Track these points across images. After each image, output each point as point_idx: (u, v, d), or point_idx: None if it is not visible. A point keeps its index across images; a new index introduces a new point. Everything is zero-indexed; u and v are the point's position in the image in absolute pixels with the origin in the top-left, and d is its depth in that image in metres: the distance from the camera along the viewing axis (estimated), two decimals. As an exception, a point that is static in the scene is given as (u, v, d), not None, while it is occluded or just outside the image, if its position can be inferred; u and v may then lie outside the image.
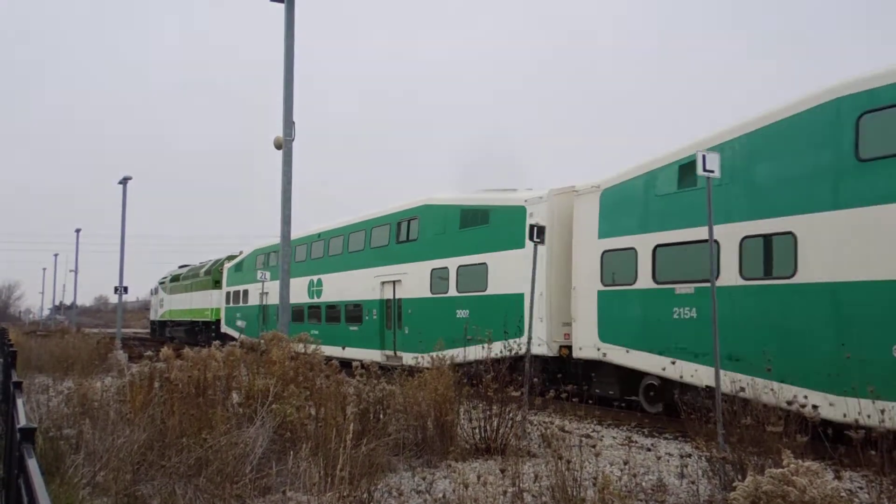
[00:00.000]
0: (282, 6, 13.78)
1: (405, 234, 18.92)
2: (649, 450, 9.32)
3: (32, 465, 2.90)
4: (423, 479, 7.09)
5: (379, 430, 7.93)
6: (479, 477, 6.17)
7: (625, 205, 12.68)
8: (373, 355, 18.12)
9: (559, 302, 13.99)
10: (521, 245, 14.52)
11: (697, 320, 10.87)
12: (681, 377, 10.50)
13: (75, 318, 56.05)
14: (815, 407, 7.03)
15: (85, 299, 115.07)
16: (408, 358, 16.94)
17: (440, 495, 6.70)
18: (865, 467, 5.89)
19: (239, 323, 28.50)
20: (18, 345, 18.58)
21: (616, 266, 12.70)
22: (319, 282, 23.18)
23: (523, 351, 10.82)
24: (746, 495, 3.71)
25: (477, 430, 8.83)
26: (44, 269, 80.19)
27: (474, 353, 10.73)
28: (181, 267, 45.89)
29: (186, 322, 40.46)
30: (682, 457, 7.83)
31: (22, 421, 4.14)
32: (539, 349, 13.23)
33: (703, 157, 7.93)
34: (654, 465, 7.94)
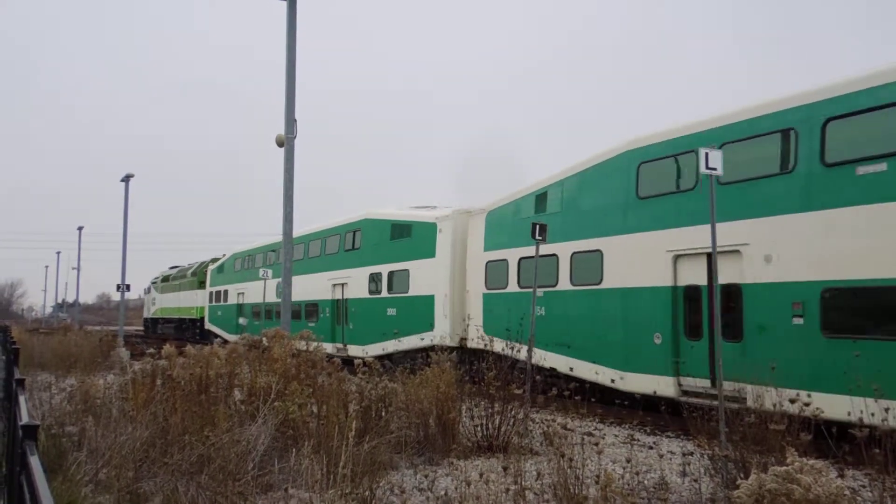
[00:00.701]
0: (283, 4, 13.76)
1: (351, 243, 22.00)
2: (651, 448, 9.31)
3: (35, 462, 2.90)
4: (426, 476, 7.08)
5: (381, 427, 7.93)
6: (481, 475, 6.17)
7: (501, 225, 15.93)
8: (327, 347, 19.64)
9: (460, 302, 16.97)
10: (433, 255, 17.78)
11: (546, 317, 13.87)
12: (540, 362, 13.16)
13: (78, 316, 56.07)
14: (612, 381, 12.14)
15: (87, 297, 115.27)
16: (353, 349, 20.52)
17: (442, 493, 6.69)
18: (869, 466, 5.87)
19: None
20: (21, 342, 18.62)
21: (495, 273, 15.87)
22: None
23: (433, 342, 14.19)
24: (750, 493, 3.70)
25: (479, 428, 8.83)
26: (46, 267, 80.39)
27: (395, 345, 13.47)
28: (171, 268, 48.60)
29: (175, 319, 43.30)
30: (684, 455, 7.82)
31: (24, 418, 4.14)
32: (444, 340, 16.23)
33: (707, 154, 7.91)
34: (656, 464, 7.93)
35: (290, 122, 13.70)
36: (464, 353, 15.59)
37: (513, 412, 8.94)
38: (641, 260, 12.06)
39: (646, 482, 7.14)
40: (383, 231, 20.33)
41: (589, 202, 13.50)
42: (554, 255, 13.74)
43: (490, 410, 8.85)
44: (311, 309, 24.15)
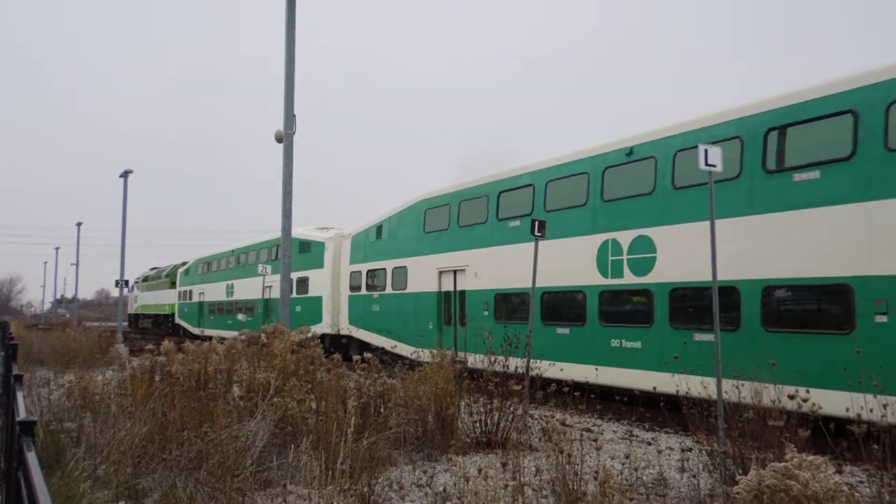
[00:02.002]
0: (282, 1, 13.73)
1: (274, 255, 27.74)
2: (650, 444, 9.32)
3: (32, 458, 2.89)
4: (424, 472, 7.09)
5: (380, 423, 7.92)
6: (479, 471, 6.17)
7: (358, 246, 22.07)
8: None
9: (336, 301, 23.35)
10: (322, 266, 24.15)
11: (381, 311, 20.26)
12: (374, 342, 19.66)
13: (76, 312, 56.16)
14: (411, 354, 16.00)
15: (86, 293, 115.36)
16: None
17: (441, 489, 6.70)
18: (867, 462, 5.87)
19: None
20: (20, 338, 18.59)
21: (354, 280, 22.09)
22: (232, 285, 32.75)
23: (322, 331, 21.77)
24: (749, 489, 3.70)
25: (478, 424, 8.83)
26: (45, 263, 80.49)
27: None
28: (151, 269, 54.85)
29: (152, 315, 49.88)
30: (682, 451, 7.83)
31: (22, 414, 4.13)
32: (325, 329, 23.08)
33: (706, 150, 7.92)
34: (654, 459, 7.94)
35: (290, 117, 13.69)
36: (337, 338, 22.91)
37: (511, 408, 8.94)
38: (424, 274, 18.18)
39: (644, 478, 7.15)
40: (295, 246, 25.37)
41: (401, 233, 19.66)
42: (384, 268, 20.33)
43: (489, 406, 8.85)
44: (250, 306, 30.09)
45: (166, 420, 7.40)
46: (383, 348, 18.67)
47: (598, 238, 12.90)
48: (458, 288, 16.91)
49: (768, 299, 10.06)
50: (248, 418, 7.40)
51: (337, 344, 22.42)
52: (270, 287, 26.28)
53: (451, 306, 17.14)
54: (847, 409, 6.33)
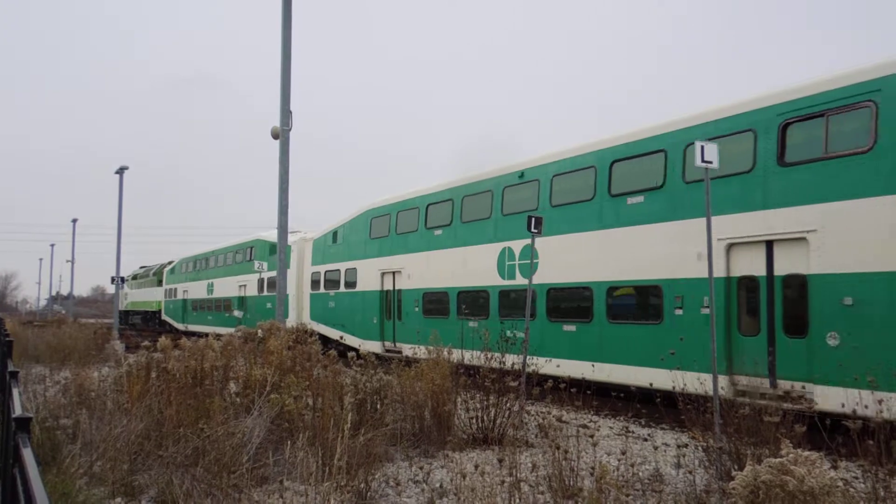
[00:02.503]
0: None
1: (249, 255, 30.55)
2: (646, 440, 9.34)
3: (28, 454, 2.88)
4: (421, 468, 7.09)
5: (376, 420, 7.92)
6: (476, 467, 6.17)
7: (318, 249, 24.17)
8: (232, 332, 28.27)
9: (300, 299, 25.47)
10: (289, 267, 24.89)
11: (336, 308, 22.44)
12: (329, 335, 21.61)
13: (72, 309, 56.08)
14: (359, 345, 19.67)
15: (82, 289, 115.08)
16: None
17: (437, 485, 6.70)
18: (862, 457, 5.90)
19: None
20: (15, 335, 18.54)
21: (315, 280, 24.26)
22: (212, 284, 35.29)
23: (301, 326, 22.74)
24: (745, 485, 3.71)
25: (474, 421, 8.84)
26: (40, 260, 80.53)
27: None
28: (141, 268, 57.14)
29: (141, 311, 52.28)
30: (678, 447, 7.83)
31: (18, 410, 4.12)
32: (292, 324, 24.38)
33: (702, 147, 7.93)
34: (651, 455, 7.96)
35: (286, 114, 13.66)
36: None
37: (508, 404, 8.95)
38: (370, 275, 20.42)
39: (640, 474, 7.17)
40: (265, 249, 28.43)
41: (352, 239, 21.82)
42: (338, 269, 22.43)
43: (485, 403, 8.86)
44: (227, 303, 32.77)
45: (162, 417, 7.39)
46: (337, 340, 21.49)
47: (499, 246, 15.26)
48: (396, 287, 19.29)
49: (611, 297, 12.49)
50: (245, 415, 7.40)
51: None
52: (245, 286, 30.79)
53: (391, 303, 19.57)
54: (665, 384, 8.61)
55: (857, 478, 6.96)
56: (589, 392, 9.36)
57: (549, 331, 13.62)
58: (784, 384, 9.47)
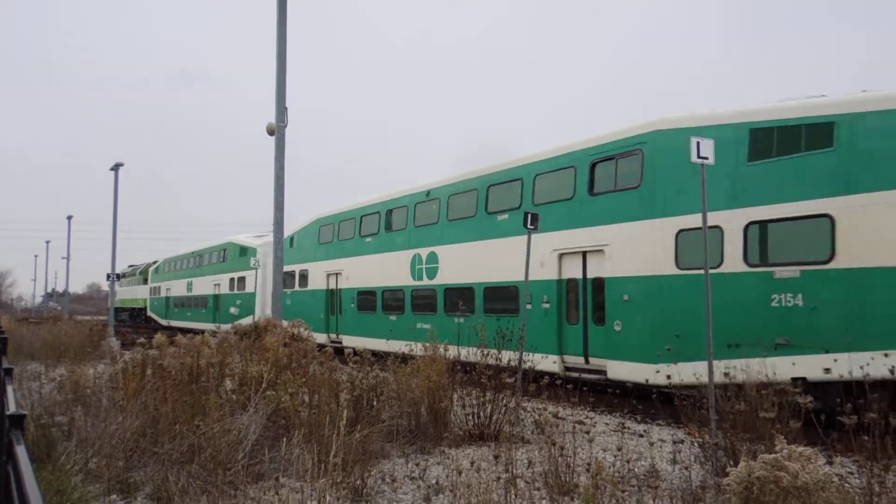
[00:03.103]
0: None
1: (222, 257, 33.93)
2: (642, 436, 9.35)
3: (21, 451, 2.87)
4: (417, 465, 7.09)
5: (372, 416, 7.92)
6: (472, 463, 6.18)
7: (287, 251, 24.58)
8: (209, 326, 29.87)
9: (264, 297, 27.09)
10: (249, 268, 29.41)
11: (292, 304, 23.78)
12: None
13: (68, 306, 55.98)
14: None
15: (77, 286, 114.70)
16: (226, 327, 33.93)
17: (433, 482, 6.71)
18: (857, 453, 5.91)
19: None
20: (10, 332, 18.50)
21: (286, 280, 24.42)
22: (191, 283, 38.45)
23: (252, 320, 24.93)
24: (740, 481, 3.72)
25: (470, 417, 8.83)
26: (35, 257, 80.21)
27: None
28: (129, 267, 59.84)
29: (129, 308, 55.20)
30: (674, 443, 7.85)
31: (12, 407, 4.11)
32: (256, 319, 28.29)
33: (698, 143, 7.93)
34: (646, 451, 7.96)
35: (281, 110, 13.62)
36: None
37: (504, 401, 8.95)
38: (319, 275, 23.30)
39: (636, 470, 7.18)
40: (236, 251, 32.21)
41: (305, 244, 24.71)
42: (294, 271, 24.75)
43: (481, 399, 8.86)
44: (203, 301, 36.20)
45: (158, 414, 7.37)
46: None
47: (411, 252, 18.21)
48: (339, 287, 22.33)
49: (486, 295, 15.52)
50: (241, 411, 7.39)
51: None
52: (219, 285, 34.10)
53: (335, 300, 22.62)
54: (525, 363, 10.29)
55: (852, 473, 6.98)
56: (585, 388, 9.38)
57: (447, 323, 16.04)
58: (593, 360, 12.77)
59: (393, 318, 18.53)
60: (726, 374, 8.06)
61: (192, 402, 7.41)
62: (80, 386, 9.23)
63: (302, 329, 11.36)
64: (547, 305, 13.90)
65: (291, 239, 25.58)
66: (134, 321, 51.10)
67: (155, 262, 47.84)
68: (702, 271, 8.08)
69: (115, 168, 31.15)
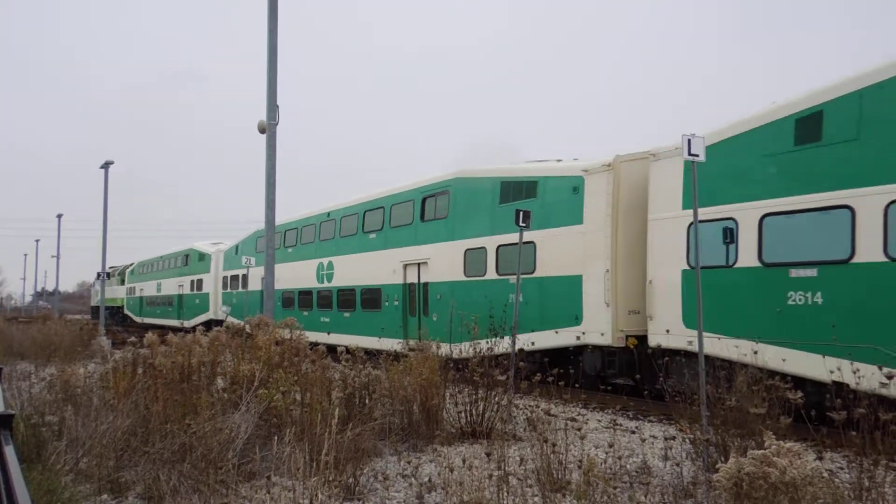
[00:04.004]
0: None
1: (185, 261, 38.13)
2: (634, 432, 9.38)
3: (10, 451, 2.85)
4: (409, 463, 7.09)
5: (364, 415, 7.91)
6: (464, 461, 6.19)
7: (227, 258, 31.83)
8: (175, 323, 36.53)
9: (218, 296, 32.40)
10: (209, 271, 33.81)
11: (237, 302, 27.81)
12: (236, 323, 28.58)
13: (58, 305, 55.81)
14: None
15: (68, 285, 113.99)
16: (188, 323, 34.65)
17: (426, 479, 6.71)
18: (847, 448, 5.96)
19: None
20: (0, 331, 18.37)
21: (224, 282, 31.72)
22: (160, 284, 42.49)
23: (209, 318, 31.54)
24: (729, 477, 3.74)
25: (463, 415, 8.85)
26: (25, 255, 79.80)
27: (197, 320, 30.45)
28: (110, 268, 63.93)
29: (109, 307, 56.52)
30: (666, 439, 7.88)
31: (0, 407, 4.08)
32: (211, 316, 32.44)
33: (689, 140, 7.96)
34: (638, 448, 8.00)
35: (272, 108, 13.57)
36: (218, 322, 29.36)
37: (496, 398, 8.96)
38: (255, 278, 24.60)
39: (628, 466, 7.20)
40: (196, 256, 36.38)
41: (247, 252, 27.06)
42: (238, 275, 28.94)
43: (474, 397, 8.87)
44: (170, 300, 40.10)
45: (149, 413, 7.34)
46: None
47: (317, 261, 23.07)
48: (278, 287, 28.80)
49: (363, 295, 20.21)
50: (232, 410, 7.36)
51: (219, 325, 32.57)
52: (182, 286, 38.01)
53: (291, 297, 27.32)
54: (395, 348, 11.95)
55: (842, 468, 7.03)
56: (577, 386, 9.41)
57: (339, 316, 21.54)
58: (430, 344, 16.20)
59: (305, 313, 23.17)
60: (489, 349, 9.64)
61: (184, 401, 7.38)
62: (70, 385, 9.17)
63: (294, 327, 11.29)
64: (397, 303, 18.68)
65: (236, 248, 30.65)
66: (113, 318, 53.66)
67: (131, 265, 52.03)
68: (478, 278, 15.80)
69: (105, 166, 30.94)
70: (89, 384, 9.01)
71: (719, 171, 10.56)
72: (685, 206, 11.03)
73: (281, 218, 24.61)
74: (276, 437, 6.64)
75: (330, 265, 22.29)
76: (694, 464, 6.92)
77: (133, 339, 9.95)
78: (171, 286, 39.59)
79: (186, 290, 37.03)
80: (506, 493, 5.55)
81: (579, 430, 6.87)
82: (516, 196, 14.92)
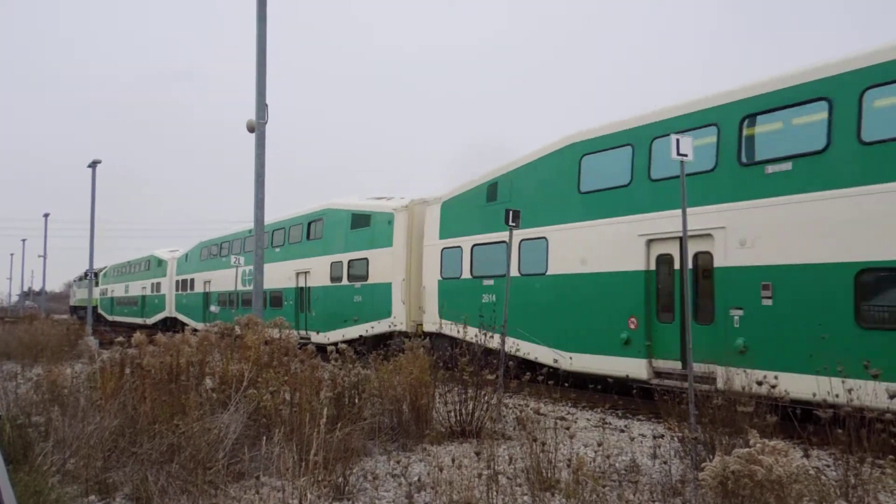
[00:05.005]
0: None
1: (147, 267, 42.87)
2: (623, 431, 9.42)
3: (-5, 453, 2.83)
4: (398, 462, 7.09)
5: (354, 414, 7.90)
6: (453, 460, 6.19)
7: (180, 264, 36.91)
8: (139, 321, 41.46)
9: (172, 297, 37.21)
10: (166, 275, 38.58)
11: (186, 302, 35.17)
12: (186, 321, 33.71)
13: (45, 304, 55.47)
14: (194, 326, 29.27)
15: (54, 285, 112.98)
16: (150, 320, 40.19)
17: (415, 479, 6.71)
18: (833, 446, 6.00)
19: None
20: (-14, 331, 18.20)
21: (178, 284, 36.41)
22: (128, 286, 47.35)
23: (171, 315, 38.03)
24: (715, 475, 3.77)
25: (452, 414, 8.85)
26: (11, 255, 79.16)
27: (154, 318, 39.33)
28: (86, 271, 70.65)
29: (84, 307, 63.17)
30: (655, 438, 7.91)
31: (-14, 409, 4.04)
32: (167, 314, 37.83)
33: (678, 140, 8.00)
34: (627, 446, 8.03)
35: (261, 107, 13.53)
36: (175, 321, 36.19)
37: (486, 397, 8.97)
38: (199, 282, 32.73)
39: (617, 465, 7.23)
40: (156, 261, 40.99)
41: (194, 259, 34.26)
42: (187, 279, 34.90)
43: (463, 396, 8.87)
44: (135, 301, 44.87)
45: (137, 413, 7.29)
46: (185, 324, 32.91)
47: (239, 269, 25.58)
48: (208, 290, 32.28)
49: (271, 296, 24.32)
50: (221, 410, 7.33)
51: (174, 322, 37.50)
52: (146, 287, 42.69)
53: (207, 300, 32.00)
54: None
55: (829, 466, 7.08)
56: (567, 384, 9.44)
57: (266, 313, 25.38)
58: (309, 333, 22.22)
59: (233, 311, 26.79)
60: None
61: (172, 401, 7.34)
62: (57, 386, 9.10)
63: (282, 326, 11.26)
64: (292, 302, 23.89)
65: (187, 255, 35.97)
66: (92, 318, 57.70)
67: (104, 268, 56.07)
68: (338, 283, 21.14)
69: (93, 165, 30.72)
70: (76, 384, 8.95)
71: (456, 215, 16.79)
72: (441, 237, 17.11)
73: (214, 234, 33.36)
74: (265, 437, 6.62)
75: (249, 272, 26.41)
76: (682, 462, 6.95)
77: (121, 338, 9.90)
78: (137, 288, 44.88)
79: (148, 292, 42.16)
80: (495, 493, 5.56)
81: (568, 428, 6.89)
82: (359, 224, 20.38)
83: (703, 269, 10.80)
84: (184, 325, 33.44)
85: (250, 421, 7.42)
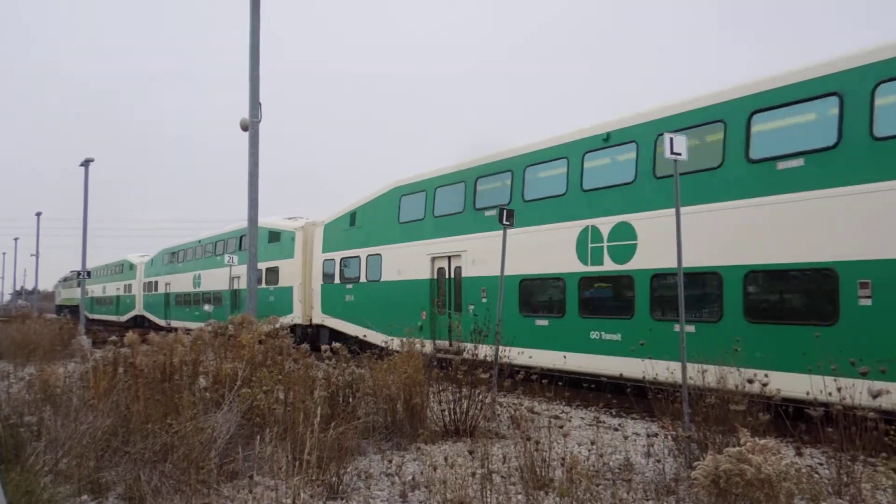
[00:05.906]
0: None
1: (120, 270, 47.14)
2: (616, 430, 9.44)
3: (-15, 453, 2.82)
4: (392, 461, 7.09)
5: (348, 413, 7.89)
6: (447, 459, 6.20)
7: (147, 268, 42.48)
8: (114, 318, 47.67)
9: (142, 297, 42.71)
10: (136, 278, 44.20)
11: (152, 302, 40.79)
12: (153, 318, 40.80)
13: (37, 303, 55.44)
14: (167, 323, 38.28)
15: (47, 284, 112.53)
16: (122, 318, 45.36)
17: (409, 478, 6.71)
18: (825, 444, 6.04)
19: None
20: (-22, 331, 18.11)
21: (148, 287, 41.61)
22: (105, 287, 52.47)
23: (140, 313, 44.35)
24: (706, 474, 3.78)
25: (446, 413, 8.85)
26: (3, 254, 78.80)
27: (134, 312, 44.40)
28: (70, 272, 71.09)
29: (70, 305, 65.45)
30: (648, 436, 7.94)
31: (-23, 408, 4.03)
32: (137, 313, 43.61)
33: (671, 139, 8.01)
34: (621, 445, 8.04)
35: (255, 106, 13.51)
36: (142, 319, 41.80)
37: (480, 396, 8.97)
38: (162, 284, 38.62)
39: (611, 463, 7.24)
40: (128, 265, 45.83)
41: (158, 264, 39.78)
42: (153, 281, 40.11)
43: (457, 395, 8.87)
44: (111, 300, 49.91)
45: (130, 413, 7.26)
46: (151, 320, 39.55)
47: (193, 273, 32.50)
48: (169, 291, 36.89)
49: (214, 295, 29.54)
50: (215, 410, 7.31)
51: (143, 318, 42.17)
52: (120, 288, 47.78)
53: (168, 300, 36.55)
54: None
55: (821, 464, 7.12)
56: (560, 383, 9.45)
57: (201, 310, 29.13)
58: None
59: (187, 308, 33.32)
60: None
61: (165, 400, 7.31)
62: (49, 385, 9.07)
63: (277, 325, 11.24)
64: (227, 301, 27.24)
65: (152, 261, 40.88)
66: (73, 315, 58.55)
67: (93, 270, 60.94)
68: (261, 287, 23.95)
69: (86, 164, 30.54)
70: (69, 384, 8.91)
71: (332, 235, 21.99)
72: (324, 251, 22.32)
73: (172, 242, 37.94)
74: (258, 437, 6.60)
75: (199, 276, 32.71)
76: (676, 460, 6.97)
77: (114, 338, 9.86)
78: (112, 289, 50.23)
79: (122, 292, 47.45)
80: (489, 491, 5.57)
81: (562, 427, 6.90)
82: (273, 240, 25.38)
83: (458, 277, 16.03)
84: (151, 321, 40.64)
85: (244, 420, 7.40)
